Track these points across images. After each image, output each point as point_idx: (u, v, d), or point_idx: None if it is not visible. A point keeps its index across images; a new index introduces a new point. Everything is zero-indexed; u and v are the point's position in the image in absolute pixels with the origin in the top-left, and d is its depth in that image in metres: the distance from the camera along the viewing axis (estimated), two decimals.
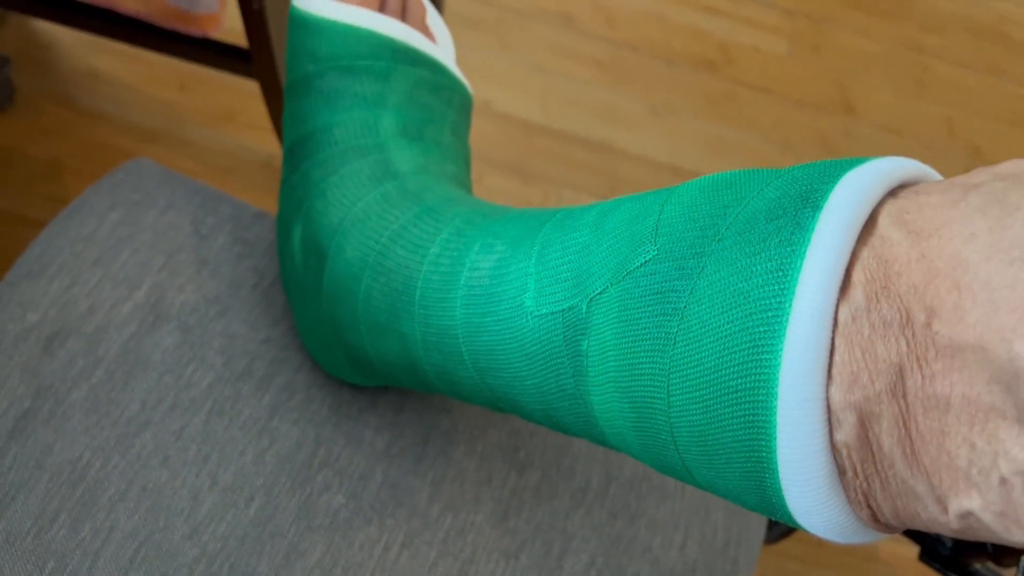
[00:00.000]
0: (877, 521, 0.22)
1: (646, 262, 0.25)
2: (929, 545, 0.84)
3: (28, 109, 0.98)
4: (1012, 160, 0.20)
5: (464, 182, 0.43)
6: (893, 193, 0.21)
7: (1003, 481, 0.18)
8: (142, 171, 0.49)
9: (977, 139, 1.17)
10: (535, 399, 0.30)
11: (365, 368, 0.40)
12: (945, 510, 0.19)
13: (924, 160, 1.19)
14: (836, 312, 0.20)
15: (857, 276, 0.20)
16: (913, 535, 0.87)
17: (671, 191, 0.26)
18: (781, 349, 0.20)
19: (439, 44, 0.43)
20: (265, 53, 0.81)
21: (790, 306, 0.20)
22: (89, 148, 0.98)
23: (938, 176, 0.23)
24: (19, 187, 0.95)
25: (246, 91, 1.00)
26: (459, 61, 1.10)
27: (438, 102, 0.42)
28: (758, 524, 0.49)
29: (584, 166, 1.05)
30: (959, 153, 1.16)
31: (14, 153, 0.96)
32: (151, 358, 0.43)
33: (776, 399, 0.20)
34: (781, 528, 0.88)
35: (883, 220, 0.20)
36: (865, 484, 0.21)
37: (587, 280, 0.27)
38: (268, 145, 1.01)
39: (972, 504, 0.18)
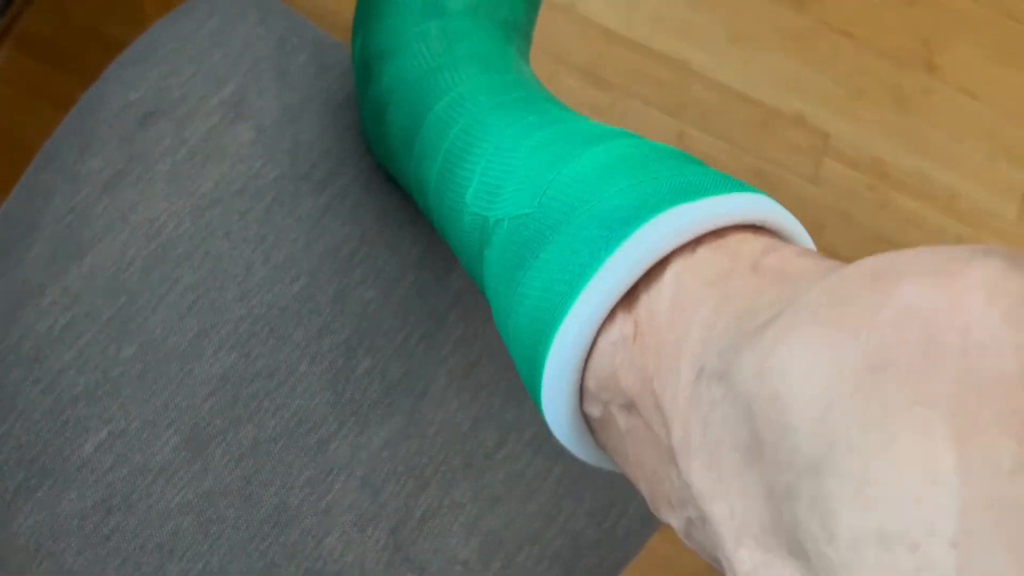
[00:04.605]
0: None
1: (527, 215, 0.29)
2: None
3: None
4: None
5: (513, 23, 0.44)
6: (721, 233, 0.24)
7: (689, 521, 0.22)
8: None
9: None
10: (467, 269, 0.36)
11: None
12: (659, 511, 0.24)
13: (1002, 128, 1.17)
14: (607, 326, 0.24)
15: (632, 314, 0.24)
16: None
17: (584, 151, 0.30)
18: (551, 342, 0.25)
19: None
20: None
21: (567, 312, 0.25)
22: None
23: (785, 216, 0.25)
24: None
25: None
26: None
27: None
28: None
29: (657, 81, 1.07)
30: None
31: None
32: (228, 148, 0.49)
33: (543, 370, 0.26)
34: None
35: (668, 273, 0.24)
36: (608, 446, 0.26)
37: (498, 202, 0.32)
38: None
39: (672, 522, 0.23)
